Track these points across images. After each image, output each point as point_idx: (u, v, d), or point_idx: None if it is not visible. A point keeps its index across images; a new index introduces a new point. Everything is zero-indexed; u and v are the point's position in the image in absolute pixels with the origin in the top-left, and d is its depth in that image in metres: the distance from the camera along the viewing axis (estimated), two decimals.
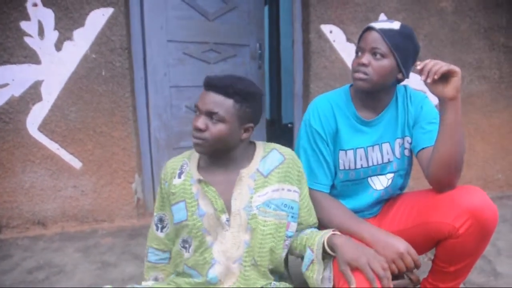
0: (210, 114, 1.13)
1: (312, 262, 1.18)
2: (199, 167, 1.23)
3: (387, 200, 1.52)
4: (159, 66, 2.49)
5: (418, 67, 1.20)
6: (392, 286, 1.07)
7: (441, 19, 2.62)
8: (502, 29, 2.71)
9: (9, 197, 2.26)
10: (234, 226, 1.17)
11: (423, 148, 1.36)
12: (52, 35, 2.19)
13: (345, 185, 1.45)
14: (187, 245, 1.22)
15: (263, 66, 3.04)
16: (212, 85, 1.14)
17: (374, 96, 1.37)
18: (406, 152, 1.45)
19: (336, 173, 1.44)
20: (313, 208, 1.32)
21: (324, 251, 1.16)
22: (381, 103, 1.40)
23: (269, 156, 1.23)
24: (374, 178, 1.45)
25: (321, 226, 1.34)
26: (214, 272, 1.17)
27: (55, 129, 2.26)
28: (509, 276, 1.82)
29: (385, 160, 1.43)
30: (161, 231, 1.29)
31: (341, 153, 1.41)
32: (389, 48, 1.28)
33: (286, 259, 1.33)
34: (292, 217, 1.22)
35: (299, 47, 2.61)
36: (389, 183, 1.46)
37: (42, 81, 2.21)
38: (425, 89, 1.24)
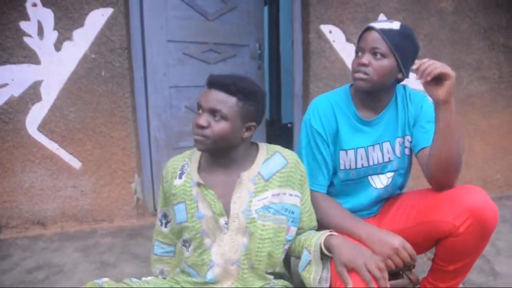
0: (213, 112, 1.13)
1: (309, 263, 1.18)
2: (199, 168, 1.23)
3: (386, 200, 1.52)
4: (159, 66, 2.49)
5: (414, 67, 1.20)
6: (389, 287, 1.08)
7: (441, 19, 2.62)
8: (502, 29, 2.71)
9: (9, 197, 2.26)
10: (232, 229, 1.17)
11: (422, 148, 1.37)
12: (51, 35, 2.19)
13: (345, 184, 1.45)
14: (187, 244, 1.22)
15: (263, 66, 3.04)
16: (215, 83, 1.14)
17: (374, 96, 1.38)
18: (407, 151, 1.45)
19: (336, 173, 1.44)
20: (314, 213, 1.31)
21: (321, 252, 1.16)
22: (381, 103, 1.40)
23: (271, 159, 1.22)
24: (374, 176, 1.46)
25: (320, 226, 1.34)
26: (212, 274, 1.17)
27: (55, 129, 2.25)
28: (508, 276, 1.82)
29: (386, 159, 1.43)
30: (166, 226, 1.30)
31: (342, 153, 1.41)
32: (389, 48, 1.29)
33: (288, 260, 1.34)
34: (292, 221, 1.21)
35: (298, 47, 2.61)
36: (389, 181, 1.46)
37: (42, 81, 2.21)
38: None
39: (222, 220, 1.16)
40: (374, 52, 1.29)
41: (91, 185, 2.34)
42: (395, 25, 1.31)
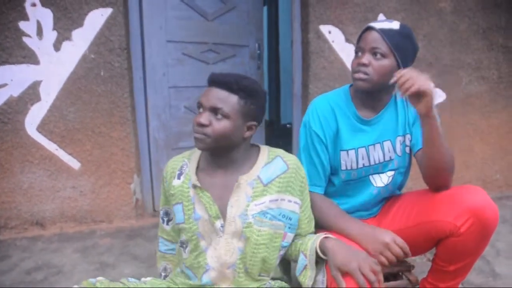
0: (214, 110, 1.12)
1: (305, 267, 1.17)
2: (198, 169, 1.22)
3: (386, 200, 1.52)
4: (158, 66, 2.49)
5: (394, 79, 1.20)
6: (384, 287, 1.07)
7: (440, 19, 2.62)
8: (500, 29, 2.71)
9: (8, 198, 2.26)
10: (228, 233, 1.16)
11: (420, 149, 1.38)
12: (50, 35, 2.18)
13: (346, 184, 1.45)
14: (184, 246, 1.22)
15: (262, 67, 3.04)
16: (216, 81, 1.13)
17: (374, 95, 1.38)
18: (407, 150, 1.46)
19: (337, 173, 1.44)
20: (313, 219, 1.30)
21: (317, 255, 1.15)
22: (381, 102, 1.40)
23: (272, 163, 1.20)
24: (375, 175, 1.46)
25: (318, 226, 1.34)
26: (208, 277, 1.17)
27: (54, 129, 2.25)
28: (507, 277, 1.82)
29: (387, 158, 1.43)
30: (167, 224, 1.30)
31: (343, 154, 1.41)
32: (389, 48, 1.29)
33: (288, 264, 1.33)
34: (289, 228, 1.20)
35: (298, 48, 2.61)
36: (390, 180, 1.46)
37: (41, 81, 2.20)
38: None
39: (218, 223, 1.15)
40: (374, 52, 1.29)
41: (90, 185, 2.34)
42: (395, 24, 1.31)
